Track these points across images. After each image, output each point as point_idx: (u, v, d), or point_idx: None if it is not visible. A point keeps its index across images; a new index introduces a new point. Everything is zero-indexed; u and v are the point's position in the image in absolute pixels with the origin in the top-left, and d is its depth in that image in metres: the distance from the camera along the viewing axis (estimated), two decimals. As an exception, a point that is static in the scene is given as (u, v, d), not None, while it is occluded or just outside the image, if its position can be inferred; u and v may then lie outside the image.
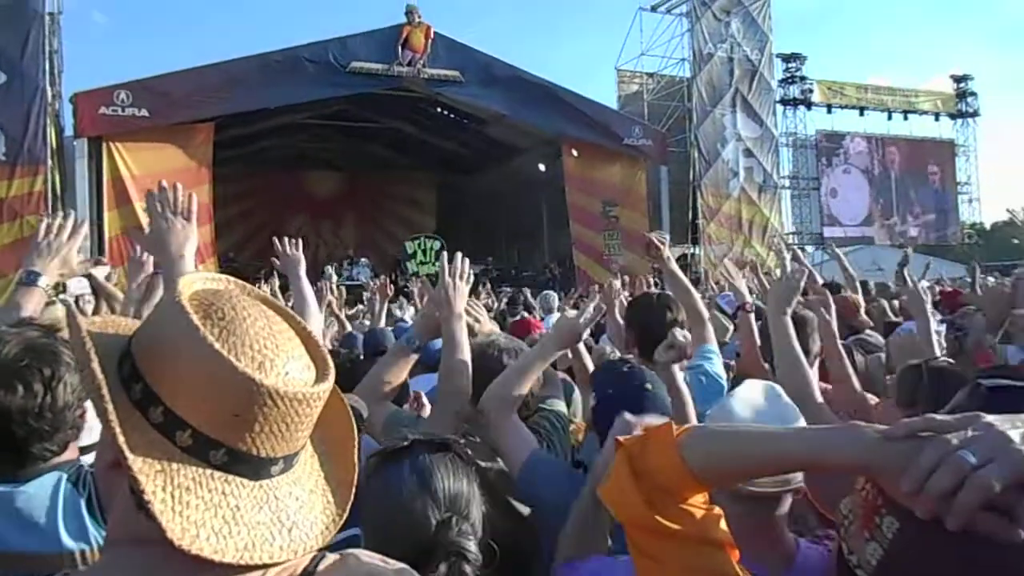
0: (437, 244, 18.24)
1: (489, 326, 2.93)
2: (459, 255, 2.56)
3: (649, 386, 2.11)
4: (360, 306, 9.37)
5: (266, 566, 0.88)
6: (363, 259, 19.25)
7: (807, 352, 2.71)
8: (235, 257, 19.60)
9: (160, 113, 14.34)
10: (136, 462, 0.82)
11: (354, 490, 1.01)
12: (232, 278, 1.01)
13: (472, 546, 1.35)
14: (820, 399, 2.28)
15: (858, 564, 0.93)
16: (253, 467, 0.88)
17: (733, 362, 4.22)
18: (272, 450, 0.88)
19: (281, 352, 0.89)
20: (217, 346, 0.84)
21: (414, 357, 2.53)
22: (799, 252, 8.38)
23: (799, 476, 1.61)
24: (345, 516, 0.97)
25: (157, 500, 0.81)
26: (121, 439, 0.81)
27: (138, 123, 14.19)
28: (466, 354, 2.39)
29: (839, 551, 1.00)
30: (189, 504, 0.83)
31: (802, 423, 1.71)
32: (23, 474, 1.59)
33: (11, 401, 1.53)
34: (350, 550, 1.00)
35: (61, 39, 14.33)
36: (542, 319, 6.38)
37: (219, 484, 0.86)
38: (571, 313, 2.49)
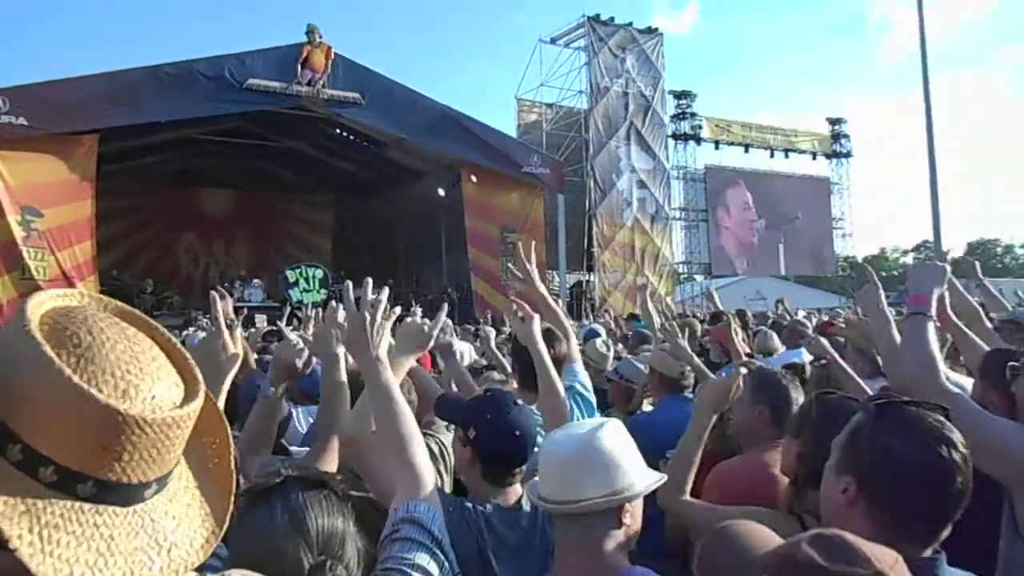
0: (320, 272, 17.85)
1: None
2: (369, 282, 2.13)
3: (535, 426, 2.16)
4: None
5: None
6: (255, 280, 18.72)
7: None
8: (119, 275, 18.71)
9: (40, 122, 13.57)
10: None
11: (232, 500, 0.98)
12: (86, 292, 0.96)
13: None
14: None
15: None
16: (124, 495, 0.84)
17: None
18: (144, 475, 0.85)
19: (146, 375, 0.85)
20: (75, 379, 0.79)
21: (280, 403, 2.41)
22: (713, 293, 8.67)
23: (627, 493, 1.63)
24: (225, 527, 0.95)
25: (24, 544, 0.77)
26: None
27: (14, 131, 13.37)
28: (345, 396, 2.29)
29: None
30: (60, 542, 0.79)
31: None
32: None
33: None
34: (231, 570, 0.99)
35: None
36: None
37: (90, 516, 0.82)
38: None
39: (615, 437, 1.68)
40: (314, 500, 1.40)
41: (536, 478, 1.78)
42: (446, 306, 2.51)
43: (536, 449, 2.05)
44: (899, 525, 1.30)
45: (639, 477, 1.66)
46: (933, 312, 2.19)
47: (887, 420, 1.36)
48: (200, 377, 0.93)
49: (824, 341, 3.50)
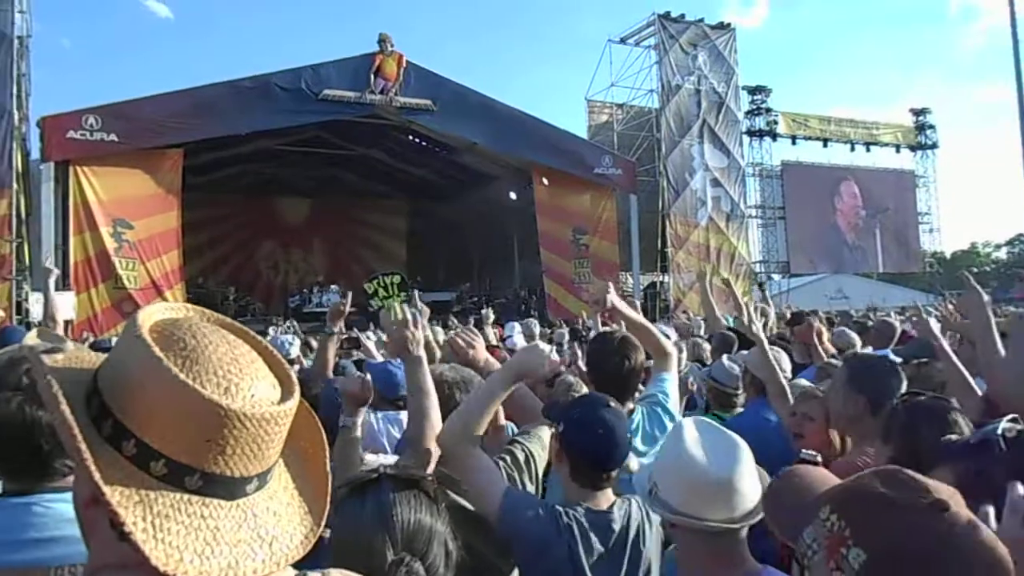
0: (397, 278, 18.10)
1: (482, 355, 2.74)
2: (416, 295, 2.41)
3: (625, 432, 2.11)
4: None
5: None
6: (333, 286, 19.16)
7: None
8: (204, 283, 19.41)
9: (129, 138, 14.21)
10: (114, 496, 0.83)
11: (329, 500, 1.03)
12: (190, 305, 1.04)
13: None
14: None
15: None
16: (228, 488, 0.90)
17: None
18: (245, 470, 0.90)
19: (245, 375, 0.91)
20: (182, 376, 0.85)
21: (357, 432, 2.39)
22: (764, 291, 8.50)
23: (746, 510, 1.65)
24: (323, 525, 1.00)
25: (138, 530, 0.83)
26: (97, 476, 0.83)
27: (106, 148, 14.05)
28: (429, 397, 2.26)
29: None
30: (170, 530, 0.85)
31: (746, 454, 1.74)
32: (41, 487, 1.62)
33: (42, 415, 1.56)
34: (331, 570, 1.01)
35: (29, 63, 14.24)
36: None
37: (197, 508, 0.87)
38: (543, 346, 2.31)
39: (749, 453, 1.73)
40: (403, 497, 1.43)
41: (653, 490, 1.75)
42: (566, 335, 2.49)
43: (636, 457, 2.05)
44: None
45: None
46: None
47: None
48: (295, 381, 0.98)
49: (933, 322, 3.23)
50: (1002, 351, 2.40)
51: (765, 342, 3.43)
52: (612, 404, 2.11)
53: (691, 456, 1.67)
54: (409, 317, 2.32)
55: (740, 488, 1.65)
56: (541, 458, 2.33)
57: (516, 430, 2.63)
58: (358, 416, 2.36)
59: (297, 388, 0.97)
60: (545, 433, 2.36)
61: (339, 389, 2.49)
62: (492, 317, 8.10)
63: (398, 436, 3.14)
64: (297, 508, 0.99)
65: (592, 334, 5.53)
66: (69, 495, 0.93)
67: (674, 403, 2.95)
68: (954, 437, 1.71)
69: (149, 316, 0.94)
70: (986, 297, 2.38)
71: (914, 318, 3.52)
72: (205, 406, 0.86)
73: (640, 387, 3.04)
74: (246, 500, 0.92)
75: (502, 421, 2.63)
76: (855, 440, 2.63)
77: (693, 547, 1.69)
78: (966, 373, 2.67)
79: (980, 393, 2.50)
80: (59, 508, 1.56)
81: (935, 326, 3.16)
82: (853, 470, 2.36)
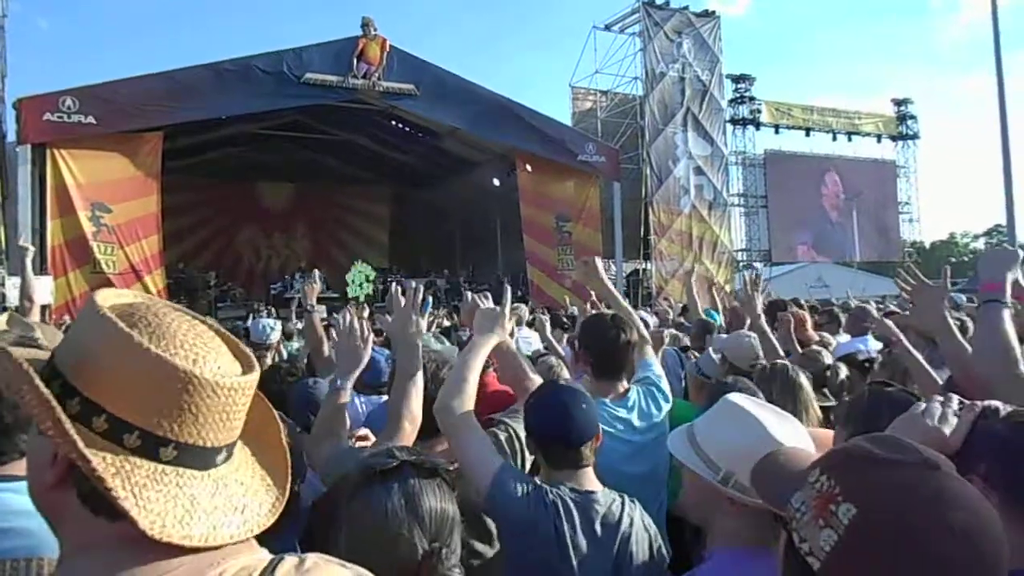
0: (369, 269, 18.14)
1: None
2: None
3: (584, 405, 2.13)
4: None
5: (221, 548, 0.91)
6: (316, 271, 19.07)
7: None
8: (184, 268, 19.24)
9: (107, 121, 14.00)
10: (97, 462, 0.85)
11: (289, 470, 1.06)
12: (141, 293, 1.07)
13: None
14: None
15: (810, 552, 0.96)
16: (201, 458, 0.92)
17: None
18: (216, 440, 0.93)
19: (209, 349, 0.95)
20: (154, 348, 0.88)
21: (347, 393, 2.40)
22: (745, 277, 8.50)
23: None
24: (287, 496, 1.02)
25: (122, 496, 0.84)
26: (80, 444, 0.84)
27: (84, 130, 13.83)
28: (415, 384, 2.31)
29: (788, 543, 1.02)
30: (150, 499, 0.87)
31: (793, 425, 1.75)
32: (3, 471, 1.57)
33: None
34: (309, 554, 0.98)
35: (5, 44, 13.99)
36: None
37: (172, 478, 0.90)
38: (488, 304, 2.53)
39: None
40: (428, 486, 1.43)
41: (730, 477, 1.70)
42: (508, 288, 2.54)
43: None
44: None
45: None
46: (1008, 298, 2.15)
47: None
48: (253, 357, 1.02)
49: (890, 323, 3.32)
50: (962, 340, 2.45)
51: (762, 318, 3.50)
52: (564, 383, 2.25)
53: (772, 435, 1.64)
54: (408, 301, 2.43)
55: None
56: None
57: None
58: (349, 381, 2.38)
59: (255, 365, 1.00)
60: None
61: (339, 348, 2.53)
62: (471, 298, 7.38)
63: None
64: (260, 479, 1.02)
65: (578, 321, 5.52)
66: (15, 484, 0.92)
67: (665, 384, 3.01)
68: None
69: (105, 299, 0.96)
70: (938, 288, 2.45)
71: (877, 324, 3.61)
72: (178, 375, 0.88)
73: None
74: (216, 471, 0.95)
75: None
76: None
77: (738, 517, 1.65)
78: (924, 363, 2.83)
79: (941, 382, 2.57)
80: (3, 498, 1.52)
81: (892, 325, 3.24)
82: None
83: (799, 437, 1.68)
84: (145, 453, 0.88)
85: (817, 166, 26.88)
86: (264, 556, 0.95)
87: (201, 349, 0.93)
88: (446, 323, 9.57)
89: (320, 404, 2.46)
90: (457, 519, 1.43)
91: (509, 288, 2.66)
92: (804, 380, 2.97)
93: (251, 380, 0.97)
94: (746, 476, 1.61)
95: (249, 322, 9.15)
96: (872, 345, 5.01)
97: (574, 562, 1.91)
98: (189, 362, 0.90)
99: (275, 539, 1.02)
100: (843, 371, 3.58)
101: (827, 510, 0.95)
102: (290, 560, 0.95)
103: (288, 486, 1.04)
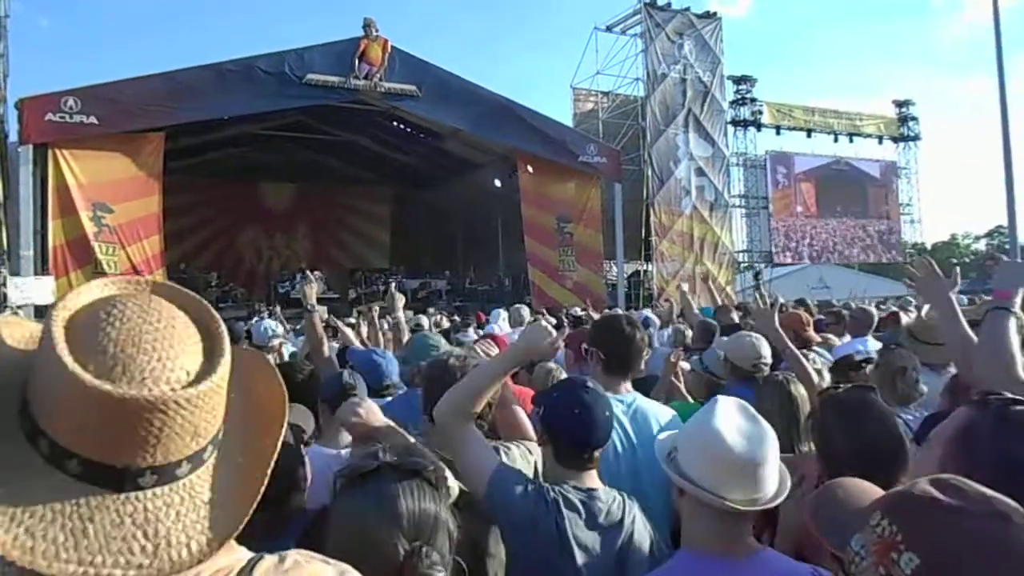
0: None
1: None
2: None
3: (607, 412, 2.13)
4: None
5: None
6: (316, 272, 19.06)
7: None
8: (186, 268, 19.25)
9: (109, 121, 14.00)
10: None
11: (251, 507, 0.91)
12: (137, 280, 0.96)
13: None
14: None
15: None
16: (111, 479, 0.82)
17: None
18: (132, 460, 0.83)
19: (150, 353, 0.84)
20: (58, 350, 0.80)
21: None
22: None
23: (766, 496, 1.68)
24: (238, 530, 0.90)
25: None
26: None
27: (86, 130, 13.83)
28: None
29: None
30: (35, 514, 0.78)
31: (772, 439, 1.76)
32: None
33: None
34: (289, 551, 0.96)
35: (7, 43, 13.99)
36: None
37: (73, 496, 0.81)
38: (545, 323, 2.39)
39: (776, 443, 1.77)
40: (406, 487, 1.42)
41: (672, 453, 1.79)
42: (556, 324, 2.50)
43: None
44: None
45: None
46: (1016, 308, 2.23)
47: (1010, 423, 1.28)
48: (220, 365, 0.89)
49: (781, 332, 3.43)
50: (971, 335, 2.49)
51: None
52: (591, 385, 2.15)
53: (719, 433, 1.69)
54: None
55: (760, 475, 1.67)
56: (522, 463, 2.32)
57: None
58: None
59: (216, 374, 0.87)
60: (530, 445, 2.37)
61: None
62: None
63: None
64: (216, 509, 0.89)
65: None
66: None
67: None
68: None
69: (76, 296, 0.89)
70: (948, 281, 2.49)
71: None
72: (76, 386, 0.79)
73: None
74: (141, 494, 0.84)
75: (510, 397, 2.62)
76: None
77: (699, 519, 1.71)
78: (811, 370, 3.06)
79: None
80: None
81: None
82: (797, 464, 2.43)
83: (754, 448, 1.69)
84: (54, 463, 0.81)
85: (818, 169, 26.81)
86: (243, 556, 0.92)
87: (131, 353, 0.82)
88: (445, 324, 9.57)
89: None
90: (442, 519, 1.42)
91: (556, 323, 2.62)
92: (799, 391, 2.93)
93: (191, 395, 0.84)
94: (686, 460, 1.72)
95: (252, 323, 9.14)
96: (872, 346, 5.02)
97: (577, 559, 1.91)
98: (105, 370, 0.80)
99: (269, 542, 1.00)
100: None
101: (888, 558, 0.92)
102: (270, 558, 0.93)
103: (244, 521, 0.90)
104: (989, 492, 0.94)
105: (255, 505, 0.91)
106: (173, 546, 0.83)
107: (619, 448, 2.56)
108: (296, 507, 2.01)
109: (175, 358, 0.85)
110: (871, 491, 1.20)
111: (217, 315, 0.94)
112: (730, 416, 1.74)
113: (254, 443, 0.96)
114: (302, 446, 2.27)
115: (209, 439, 0.89)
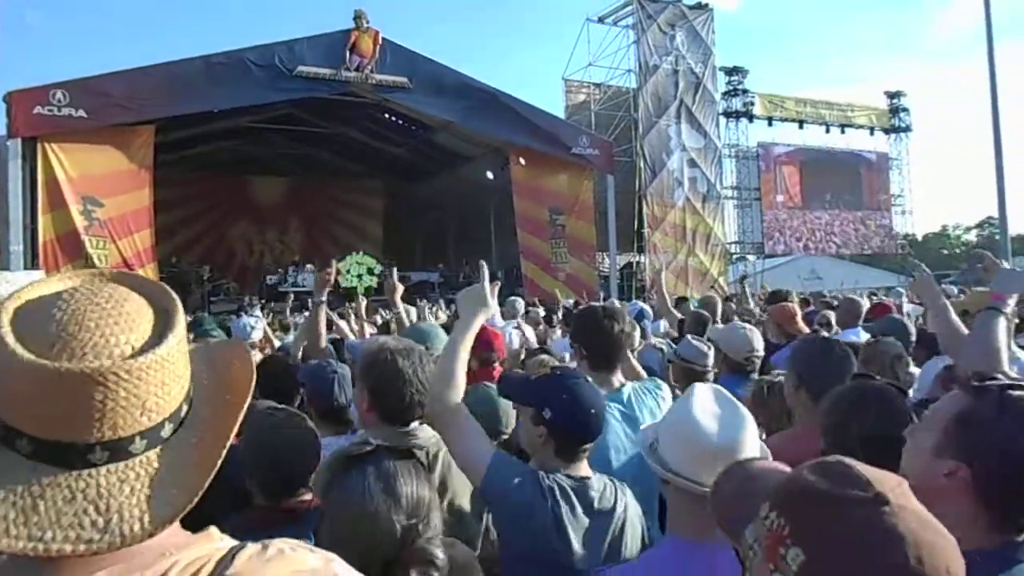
0: (374, 265, 18.08)
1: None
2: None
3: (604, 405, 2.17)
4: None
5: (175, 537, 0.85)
6: (309, 265, 19.02)
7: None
8: (177, 263, 19.17)
9: (98, 114, 13.92)
10: None
11: (210, 476, 0.90)
12: (102, 269, 0.98)
13: (440, 552, 1.38)
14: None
15: None
16: (61, 455, 0.82)
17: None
18: (79, 436, 0.82)
19: (93, 331, 0.83)
20: (8, 338, 0.81)
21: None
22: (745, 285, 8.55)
23: None
24: (188, 508, 0.88)
25: None
26: None
27: (75, 124, 13.75)
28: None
29: None
30: None
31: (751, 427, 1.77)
32: None
33: None
34: (273, 540, 0.94)
35: (-4, 38, 13.89)
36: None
37: (26, 473, 0.81)
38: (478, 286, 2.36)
39: (755, 428, 1.79)
40: (403, 467, 1.47)
41: (654, 444, 1.81)
42: (484, 265, 2.49)
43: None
44: (1008, 509, 1.28)
45: None
46: (1008, 311, 2.40)
47: (1010, 409, 1.29)
48: (165, 343, 0.87)
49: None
50: (961, 327, 2.65)
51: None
52: (588, 379, 2.17)
53: (697, 420, 1.72)
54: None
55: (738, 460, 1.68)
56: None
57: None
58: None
59: (163, 345, 0.86)
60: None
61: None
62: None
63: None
64: (169, 486, 0.87)
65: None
66: None
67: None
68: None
69: (24, 293, 0.88)
70: (930, 275, 2.69)
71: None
72: (16, 364, 0.79)
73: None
74: (93, 471, 0.83)
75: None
76: (798, 414, 2.70)
77: (682, 506, 1.73)
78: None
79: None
80: None
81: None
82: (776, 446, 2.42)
83: (730, 434, 1.70)
84: (5, 442, 0.82)
85: (809, 159, 26.86)
86: (224, 544, 0.91)
87: (72, 330, 0.82)
88: (443, 316, 9.54)
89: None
90: (435, 502, 1.47)
91: (485, 265, 2.57)
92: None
93: (137, 364, 0.83)
94: (666, 448, 1.75)
95: (233, 318, 9.09)
96: (864, 337, 5.03)
97: (574, 546, 1.93)
98: (45, 346, 0.81)
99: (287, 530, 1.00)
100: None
101: (777, 553, 0.92)
102: (252, 547, 0.91)
103: (196, 497, 0.88)
104: (871, 472, 0.94)
105: (210, 478, 0.90)
106: (125, 520, 0.83)
107: (619, 447, 2.59)
108: (312, 500, 2.05)
109: (119, 334, 0.85)
110: (767, 474, 1.18)
111: (176, 297, 0.94)
112: (706, 404, 1.76)
113: (219, 422, 0.95)
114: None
115: (166, 416, 0.89)
